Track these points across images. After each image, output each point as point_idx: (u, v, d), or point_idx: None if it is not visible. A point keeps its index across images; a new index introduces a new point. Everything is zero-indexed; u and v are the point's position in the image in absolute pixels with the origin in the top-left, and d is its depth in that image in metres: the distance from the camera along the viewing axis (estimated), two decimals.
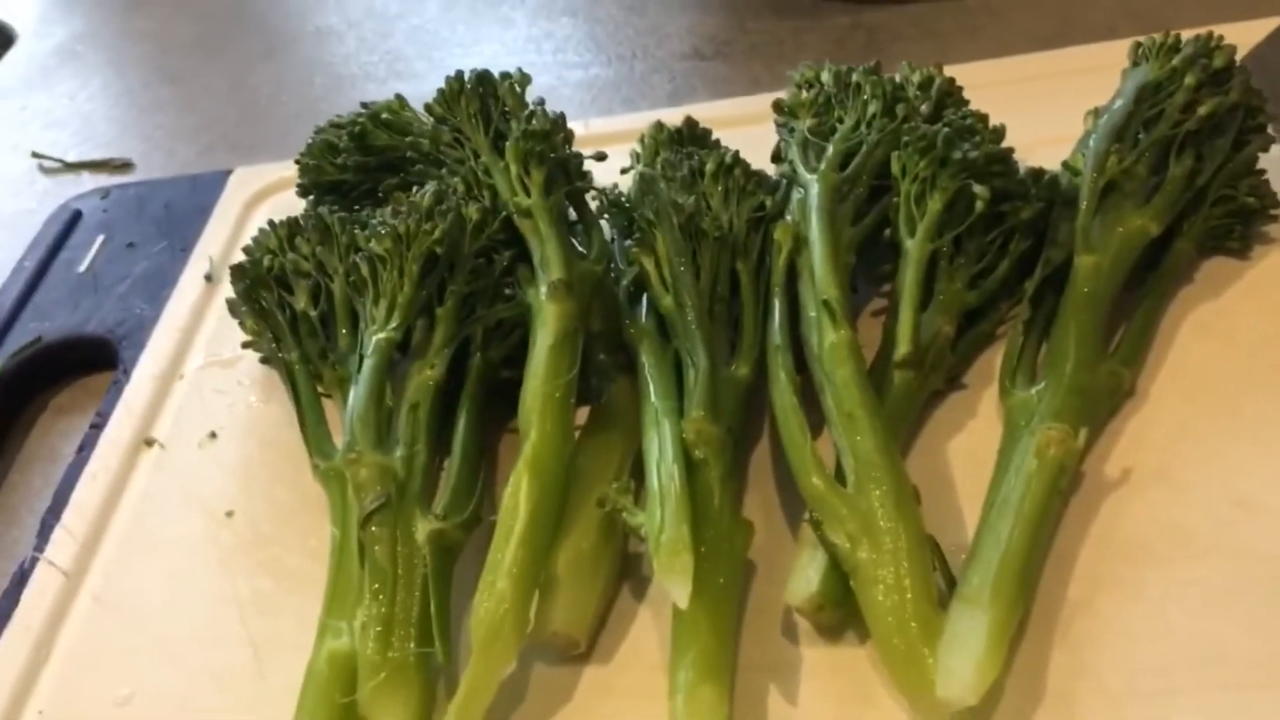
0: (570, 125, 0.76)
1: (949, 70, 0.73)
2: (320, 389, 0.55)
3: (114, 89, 0.97)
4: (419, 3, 0.99)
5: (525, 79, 0.58)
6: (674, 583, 0.41)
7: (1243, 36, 0.68)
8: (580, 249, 0.55)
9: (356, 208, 0.64)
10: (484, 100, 0.57)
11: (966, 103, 0.60)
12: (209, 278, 0.70)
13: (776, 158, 0.61)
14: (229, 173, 0.78)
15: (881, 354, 0.51)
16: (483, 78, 0.57)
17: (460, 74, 0.57)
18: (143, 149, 0.89)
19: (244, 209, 0.75)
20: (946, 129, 0.52)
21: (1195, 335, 0.53)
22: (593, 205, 0.60)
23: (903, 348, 0.49)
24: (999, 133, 0.53)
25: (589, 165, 0.60)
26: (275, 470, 0.56)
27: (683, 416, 0.47)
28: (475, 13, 0.96)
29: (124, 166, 0.86)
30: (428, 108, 0.58)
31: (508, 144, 0.54)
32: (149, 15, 1.07)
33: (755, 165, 0.60)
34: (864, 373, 0.47)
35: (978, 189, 0.51)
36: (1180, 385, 0.50)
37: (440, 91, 0.58)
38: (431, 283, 0.52)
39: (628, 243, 0.55)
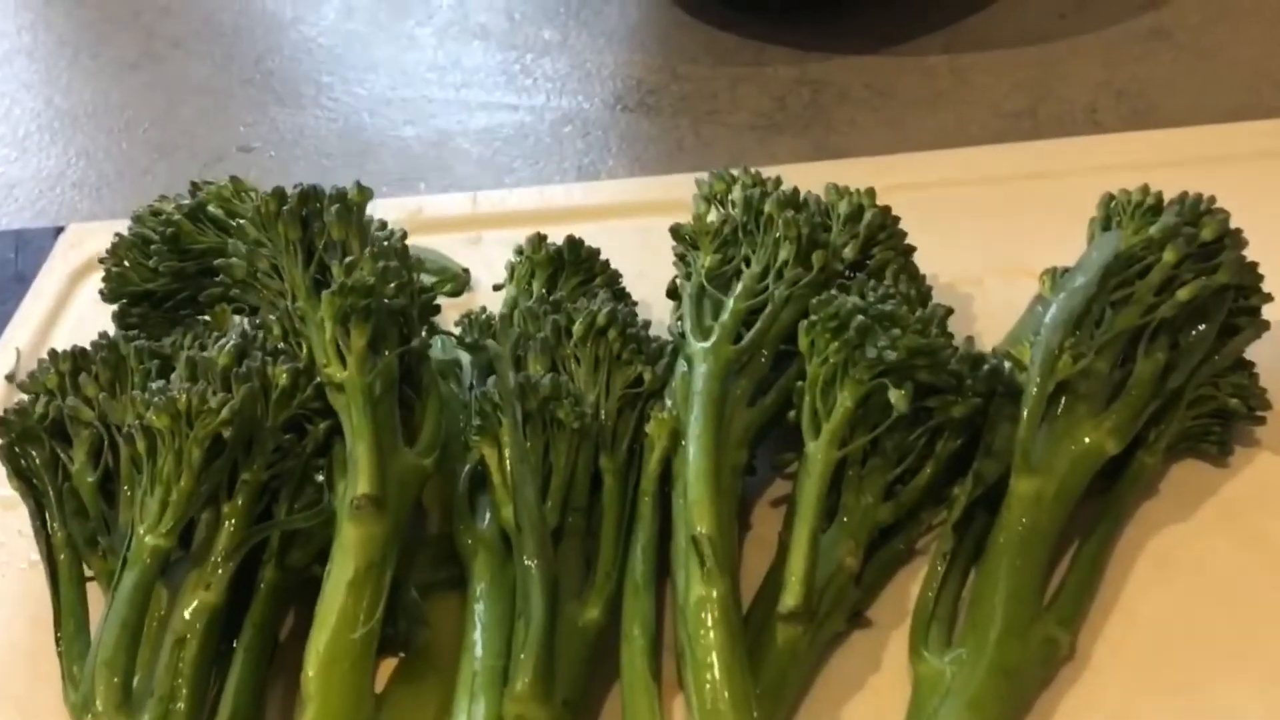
0: (458, 198, 0.67)
1: (896, 158, 0.63)
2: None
3: None
4: (315, 7, 0.87)
5: (364, 195, 0.47)
6: None
7: (1234, 142, 0.59)
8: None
9: (185, 313, 0.53)
10: (307, 226, 0.46)
11: (903, 236, 0.50)
12: (10, 378, 0.59)
13: (672, 293, 0.50)
14: (60, 230, 0.68)
15: (768, 587, 0.42)
16: (306, 196, 0.46)
17: (280, 192, 0.46)
18: None
19: (69, 282, 0.64)
20: (862, 317, 0.42)
21: (1154, 571, 0.43)
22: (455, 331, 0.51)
23: (790, 598, 0.39)
24: (927, 321, 0.43)
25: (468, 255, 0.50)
26: (36, 667, 0.46)
27: (507, 684, 0.38)
28: (376, 26, 0.84)
29: None
30: (240, 230, 0.48)
31: (324, 296, 0.43)
32: (27, 5, 0.94)
33: (654, 273, 0.51)
34: (738, 641, 0.38)
35: (894, 395, 0.41)
36: (1130, 647, 0.41)
37: (256, 210, 0.47)
38: (219, 470, 0.42)
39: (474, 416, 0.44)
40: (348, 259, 0.44)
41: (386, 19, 0.84)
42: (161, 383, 0.44)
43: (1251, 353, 0.46)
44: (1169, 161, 0.58)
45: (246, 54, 0.84)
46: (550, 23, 0.81)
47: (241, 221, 0.48)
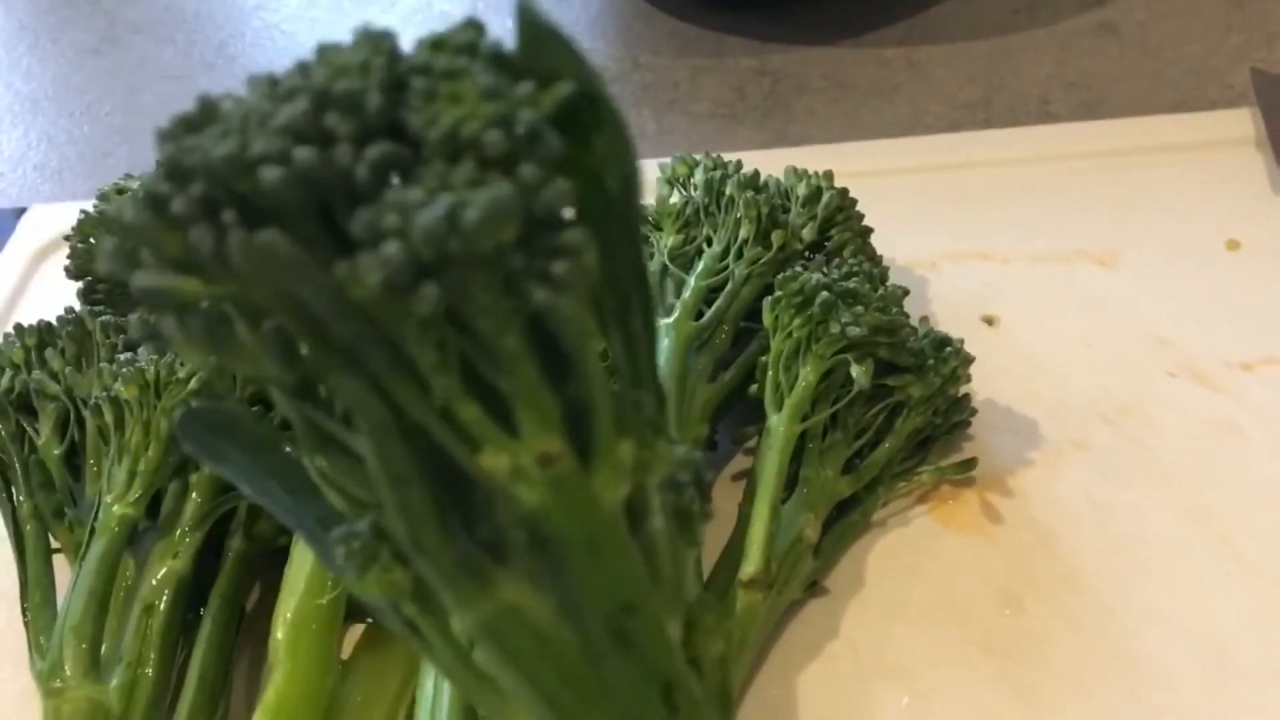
0: None
1: (853, 145, 0.65)
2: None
3: None
4: None
5: None
6: None
7: (1177, 133, 0.61)
8: None
9: None
10: None
11: (860, 218, 0.51)
12: None
13: None
14: (22, 211, 0.67)
15: (728, 556, 0.43)
16: None
17: None
18: None
19: (31, 262, 0.64)
20: (826, 293, 0.43)
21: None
22: None
23: (750, 566, 0.41)
24: (888, 299, 0.44)
25: None
26: (5, 651, 0.46)
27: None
28: (339, 12, 0.85)
29: None
30: None
31: None
32: None
33: None
34: None
35: (856, 371, 0.42)
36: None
37: None
38: None
39: None
40: None
41: (350, 6, 0.85)
42: (129, 355, 0.44)
43: None
44: (1116, 150, 0.60)
45: (209, 40, 0.84)
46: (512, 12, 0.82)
47: None
